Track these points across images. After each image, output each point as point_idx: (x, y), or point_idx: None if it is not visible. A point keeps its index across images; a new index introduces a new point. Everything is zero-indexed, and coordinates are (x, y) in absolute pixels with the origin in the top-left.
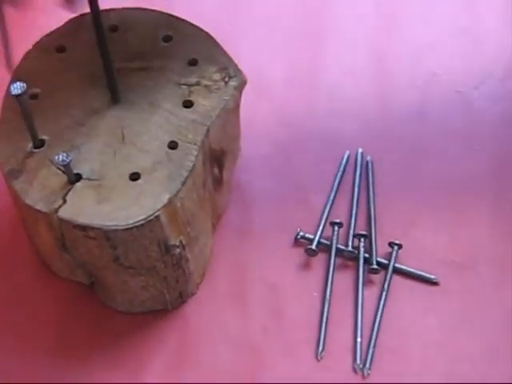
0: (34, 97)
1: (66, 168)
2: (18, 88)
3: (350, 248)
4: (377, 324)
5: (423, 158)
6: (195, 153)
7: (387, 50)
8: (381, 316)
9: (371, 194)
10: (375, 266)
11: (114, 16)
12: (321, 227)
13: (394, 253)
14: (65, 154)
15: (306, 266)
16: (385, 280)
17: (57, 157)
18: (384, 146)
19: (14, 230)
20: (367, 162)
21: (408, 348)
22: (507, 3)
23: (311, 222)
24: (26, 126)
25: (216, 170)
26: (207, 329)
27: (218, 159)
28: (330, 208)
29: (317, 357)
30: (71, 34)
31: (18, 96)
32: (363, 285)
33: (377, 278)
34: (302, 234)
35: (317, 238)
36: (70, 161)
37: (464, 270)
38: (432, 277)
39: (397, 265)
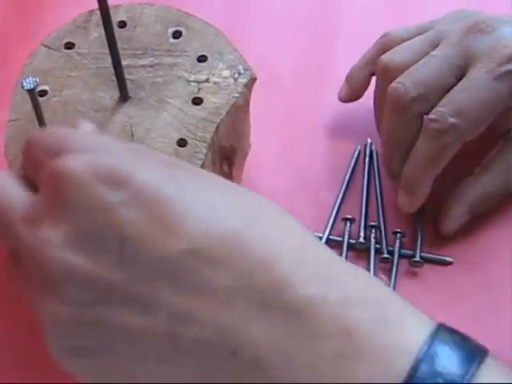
0: (42, 94)
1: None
2: (30, 83)
3: (361, 239)
4: None
5: None
6: (204, 150)
7: None
8: None
9: (377, 183)
10: (386, 255)
11: (123, 12)
12: (330, 224)
13: (398, 241)
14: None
15: None
16: (391, 269)
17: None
18: None
19: None
20: (371, 151)
21: None
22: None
23: (321, 219)
24: (37, 122)
25: (225, 167)
26: None
27: (227, 156)
28: (340, 204)
29: None
30: (80, 31)
31: (30, 91)
32: (374, 275)
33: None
34: None
35: (326, 235)
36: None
37: (475, 267)
38: (447, 258)
39: (406, 252)
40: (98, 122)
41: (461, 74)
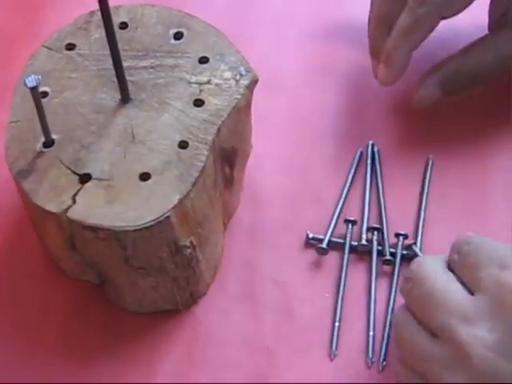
0: (43, 95)
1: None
2: (32, 80)
3: (363, 241)
4: (389, 316)
5: (437, 155)
6: (206, 152)
7: None
8: (392, 307)
9: (379, 185)
10: (388, 257)
11: (124, 13)
12: (332, 226)
13: (400, 243)
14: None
15: (317, 264)
16: (393, 271)
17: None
18: (397, 142)
19: (23, 229)
20: (373, 153)
21: None
22: None
23: (323, 220)
24: (38, 120)
25: (227, 169)
26: (218, 329)
27: (228, 158)
28: (342, 206)
29: (330, 356)
30: (80, 32)
31: (32, 88)
32: (376, 277)
33: (391, 270)
34: (311, 235)
35: (327, 237)
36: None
37: None
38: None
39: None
40: (99, 123)
41: None
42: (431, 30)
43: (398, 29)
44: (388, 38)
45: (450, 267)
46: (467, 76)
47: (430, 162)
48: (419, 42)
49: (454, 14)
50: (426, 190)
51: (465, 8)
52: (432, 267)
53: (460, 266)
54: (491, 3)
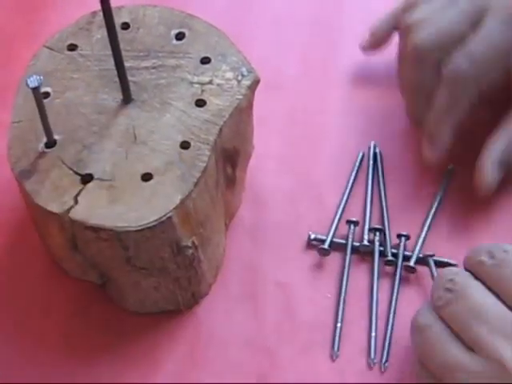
0: (45, 96)
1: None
2: (34, 81)
3: (365, 242)
4: (391, 317)
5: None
6: (208, 153)
7: None
8: (394, 308)
9: (381, 186)
10: (390, 258)
11: (126, 13)
12: (333, 226)
13: (402, 244)
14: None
15: (319, 265)
16: (395, 272)
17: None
18: (400, 143)
19: (25, 229)
20: (375, 154)
21: None
22: None
23: (325, 221)
24: (40, 121)
25: (229, 170)
26: (220, 329)
27: (230, 158)
28: (344, 206)
29: (332, 357)
30: (82, 33)
31: (34, 89)
32: (378, 278)
33: (393, 270)
34: (313, 236)
35: (329, 237)
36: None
37: None
38: (451, 261)
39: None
40: (101, 124)
41: (477, 25)
42: (471, 103)
43: (437, 107)
44: (429, 114)
45: (478, 275)
46: None
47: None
48: (460, 116)
49: (492, 86)
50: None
51: (502, 76)
52: (473, 281)
53: (495, 276)
54: None
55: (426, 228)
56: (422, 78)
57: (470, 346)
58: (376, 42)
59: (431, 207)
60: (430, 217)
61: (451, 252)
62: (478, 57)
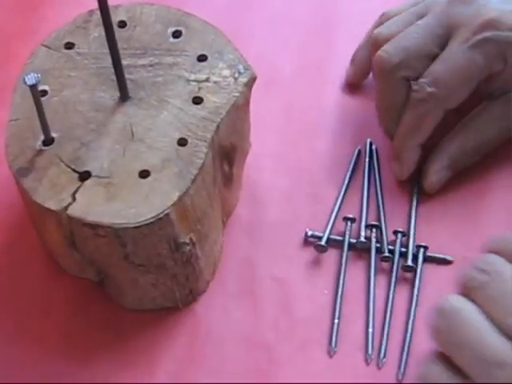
0: (42, 94)
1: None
2: (32, 78)
3: (362, 239)
4: (388, 313)
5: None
6: (205, 150)
7: None
8: (391, 304)
9: (377, 182)
10: (387, 254)
11: (123, 12)
12: (330, 223)
13: (399, 240)
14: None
15: (316, 262)
16: (392, 268)
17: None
18: None
19: (22, 227)
20: (371, 151)
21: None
22: None
23: (322, 218)
24: (38, 118)
25: (226, 167)
26: (218, 326)
27: (227, 156)
28: (341, 203)
29: (329, 353)
30: (79, 31)
31: (32, 86)
32: (375, 274)
33: (389, 267)
34: (310, 233)
35: (326, 234)
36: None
37: None
38: (447, 257)
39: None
40: (98, 121)
41: (444, 44)
42: (436, 123)
43: (403, 127)
44: (396, 133)
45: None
46: (473, 152)
47: None
48: (426, 136)
49: (457, 105)
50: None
51: (467, 97)
52: (509, 264)
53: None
54: (483, 83)
55: (413, 224)
56: (391, 95)
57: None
58: (359, 70)
59: (411, 204)
60: (413, 214)
61: (445, 246)
62: (442, 80)
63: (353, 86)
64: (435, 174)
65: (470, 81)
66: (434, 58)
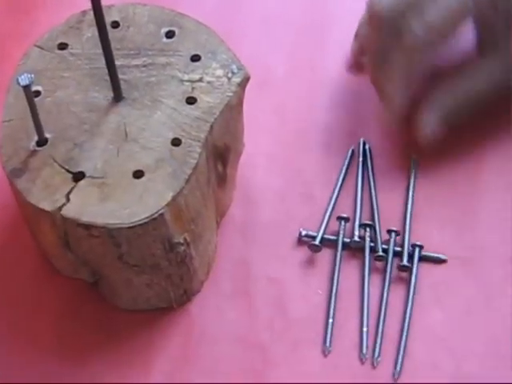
0: (36, 95)
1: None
2: (25, 79)
3: (356, 238)
4: (382, 312)
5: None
6: (199, 150)
7: None
8: (386, 303)
9: (371, 182)
10: (381, 253)
11: (116, 12)
12: (324, 223)
13: (392, 239)
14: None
15: (310, 261)
16: (386, 267)
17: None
18: (388, 140)
19: (16, 227)
20: (365, 151)
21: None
22: None
23: (316, 218)
24: (31, 119)
25: (220, 167)
26: (212, 326)
27: (221, 156)
28: (335, 203)
29: (324, 352)
30: (73, 31)
31: (25, 87)
32: (369, 274)
33: (383, 266)
34: (304, 232)
35: (320, 234)
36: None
37: (469, 264)
38: (440, 256)
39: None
40: (92, 122)
41: None
42: (426, 69)
43: (393, 69)
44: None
45: None
46: (465, 104)
47: (413, 163)
48: (416, 83)
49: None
50: (412, 190)
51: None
52: None
53: None
54: (476, 27)
55: (408, 222)
56: (383, 43)
57: None
58: (357, 57)
59: (407, 202)
60: (409, 211)
61: (438, 244)
62: (435, 26)
63: (356, 64)
64: (428, 124)
65: (458, 22)
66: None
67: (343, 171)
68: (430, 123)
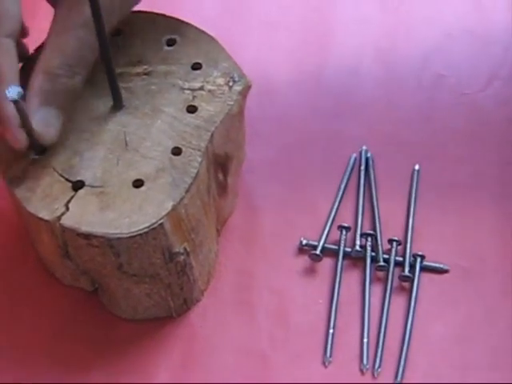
0: None
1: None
2: (13, 93)
3: (357, 247)
4: (383, 322)
5: (429, 160)
6: (199, 159)
7: (393, 51)
8: (387, 314)
9: (373, 191)
10: (382, 263)
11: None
12: (325, 232)
13: (394, 249)
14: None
15: (311, 271)
16: (387, 277)
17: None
18: (390, 148)
19: (16, 236)
20: (367, 159)
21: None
22: None
23: (317, 227)
24: (25, 131)
25: (220, 176)
26: (212, 336)
27: (222, 164)
28: (336, 212)
29: (324, 363)
30: None
31: (14, 101)
32: (370, 283)
33: (385, 276)
34: (305, 241)
35: (321, 243)
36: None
37: (470, 275)
38: (442, 266)
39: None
40: (92, 130)
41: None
42: None
43: None
44: None
45: None
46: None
47: (415, 172)
48: None
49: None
50: (413, 199)
51: None
52: None
53: None
54: None
55: (409, 232)
56: None
57: None
58: None
59: (408, 211)
60: (411, 221)
61: (440, 254)
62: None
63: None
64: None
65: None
66: None
67: (345, 180)
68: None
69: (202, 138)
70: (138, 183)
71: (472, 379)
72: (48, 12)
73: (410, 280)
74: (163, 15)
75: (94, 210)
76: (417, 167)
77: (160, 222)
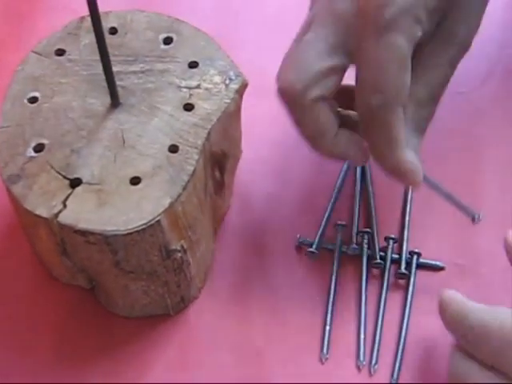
0: (33, 101)
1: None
2: None
3: (353, 245)
4: (380, 319)
5: (425, 158)
6: (196, 156)
7: None
8: (383, 311)
9: (369, 189)
10: (378, 261)
11: (114, 18)
12: (322, 230)
13: (390, 247)
14: None
15: (307, 268)
16: (383, 274)
17: None
18: None
19: (13, 234)
20: None
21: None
22: (510, 2)
23: (313, 224)
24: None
25: (217, 174)
26: (209, 333)
27: (219, 162)
28: (332, 209)
29: (321, 359)
30: (70, 37)
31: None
32: (367, 281)
33: (381, 273)
34: (302, 239)
35: (317, 241)
36: None
37: (466, 272)
38: (438, 263)
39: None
40: (89, 128)
41: (343, 49)
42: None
43: (376, 146)
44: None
45: None
46: (427, 101)
47: None
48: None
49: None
50: (410, 197)
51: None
52: None
53: None
54: None
55: (406, 231)
56: (312, 120)
57: None
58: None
59: (404, 209)
60: (407, 218)
61: (436, 252)
62: (381, 86)
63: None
64: (407, 144)
65: (406, 63)
66: (340, 68)
67: (341, 178)
68: (409, 141)
69: (199, 136)
70: (135, 180)
71: None
72: (42, 11)
73: (407, 277)
74: (160, 14)
75: (91, 207)
76: None
77: (157, 219)
